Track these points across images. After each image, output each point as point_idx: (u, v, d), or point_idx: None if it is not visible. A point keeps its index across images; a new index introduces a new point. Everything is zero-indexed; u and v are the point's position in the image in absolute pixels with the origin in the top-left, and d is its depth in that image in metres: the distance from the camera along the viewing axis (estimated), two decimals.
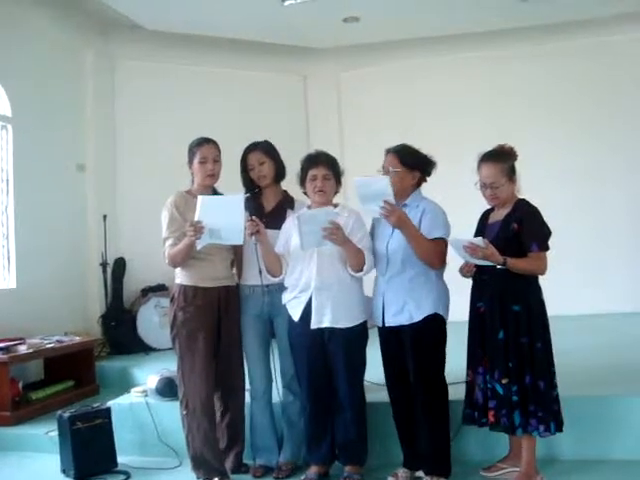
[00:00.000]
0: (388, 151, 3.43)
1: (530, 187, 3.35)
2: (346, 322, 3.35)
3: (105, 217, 6.31)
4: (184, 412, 3.53)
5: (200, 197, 3.33)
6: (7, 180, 5.58)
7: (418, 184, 3.40)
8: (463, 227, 3.38)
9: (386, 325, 3.33)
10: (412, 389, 3.27)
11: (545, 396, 3.10)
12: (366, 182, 3.18)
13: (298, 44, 7.27)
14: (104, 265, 6.33)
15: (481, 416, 3.21)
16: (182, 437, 3.62)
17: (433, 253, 3.24)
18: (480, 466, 3.43)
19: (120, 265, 6.48)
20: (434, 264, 3.28)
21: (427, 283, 3.29)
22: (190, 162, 3.59)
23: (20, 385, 4.80)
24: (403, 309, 3.27)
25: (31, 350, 4.81)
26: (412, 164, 3.37)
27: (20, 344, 4.80)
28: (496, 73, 7.12)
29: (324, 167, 3.42)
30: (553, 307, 3.25)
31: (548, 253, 3.16)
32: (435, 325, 3.28)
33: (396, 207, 3.20)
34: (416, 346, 3.24)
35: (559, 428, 3.15)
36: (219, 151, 3.59)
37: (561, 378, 3.19)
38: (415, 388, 3.26)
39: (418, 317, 3.24)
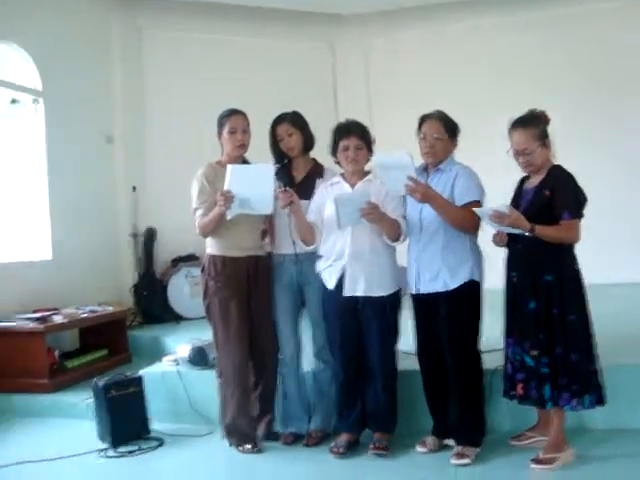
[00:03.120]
0: (427, 117, 3.36)
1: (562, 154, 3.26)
2: (379, 291, 3.36)
3: (135, 188, 6.36)
4: (219, 380, 3.59)
5: (230, 166, 3.35)
6: (40, 153, 5.64)
7: None
8: (497, 195, 3.28)
9: (420, 292, 3.32)
10: (445, 358, 3.27)
11: (579, 369, 3.04)
12: (386, 159, 3.15)
13: (325, 11, 7.18)
14: (135, 236, 6.40)
15: (510, 388, 3.20)
16: (213, 405, 3.70)
17: (466, 220, 3.20)
18: (509, 435, 3.43)
19: (150, 235, 6.54)
20: (468, 230, 3.26)
21: (462, 249, 3.28)
22: (219, 133, 3.59)
23: (56, 354, 4.90)
24: (438, 276, 3.25)
25: (66, 320, 4.91)
26: (454, 131, 3.35)
27: (55, 314, 4.90)
28: (529, 39, 6.90)
29: (356, 137, 3.40)
30: (586, 275, 3.17)
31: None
32: (471, 292, 3.26)
33: (420, 182, 3.15)
34: (451, 314, 3.23)
35: (600, 401, 3.09)
36: (248, 122, 3.59)
37: None
38: (449, 357, 3.26)
39: (454, 284, 3.23)
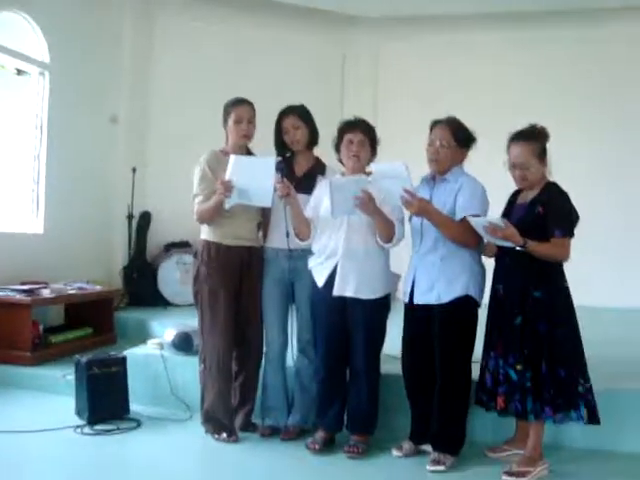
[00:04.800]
0: (437, 123, 3.29)
1: (560, 173, 3.24)
2: (369, 293, 3.34)
3: (134, 170, 6.34)
4: (201, 367, 3.59)
5: (232, 156, 3.36)
6: (41, 126, 5.63)
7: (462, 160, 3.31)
8: (493, 205, 3.29)
9: (413, 302, 3.29)
10: (436, 370, 3.23)
11: (566, 384, 3.03)
12: (384, 168, 3.13)
13: (340, 11, 7.18)
14: (130, 217, 6.39)
15: (489, 400, 3.20)
16: (194, 391, 3.71)
17: (465, 234, 3.14)
18: (487, 446, 3.44)
19: (145, 219, 6.54)
20: (469, 244, 3.20)
21: (460, 263, 3.21)
22: (225, 122, 3.60)
23: (41, 328, 4.88)
24: (432, 288, 3.20)
25: (53, 295, 4.90)
26: (464, 140, 3.27)
27: (43, 288, 4.90)
28: (539, 54, 6.99)
29: (361, 132, 3.39)
30: (578, 297, 3.16)
31: (575, 241, 3.06)
32: (465, 307, 3.20)
33: (416, 196, 3.11)
34: (444, 328, 3.19)
35: (593, 419, 3.07)
36: (254, 112, 3.59)
37: None
38: (439, 370, 3.22)
39: (447, 298, 3.18)
